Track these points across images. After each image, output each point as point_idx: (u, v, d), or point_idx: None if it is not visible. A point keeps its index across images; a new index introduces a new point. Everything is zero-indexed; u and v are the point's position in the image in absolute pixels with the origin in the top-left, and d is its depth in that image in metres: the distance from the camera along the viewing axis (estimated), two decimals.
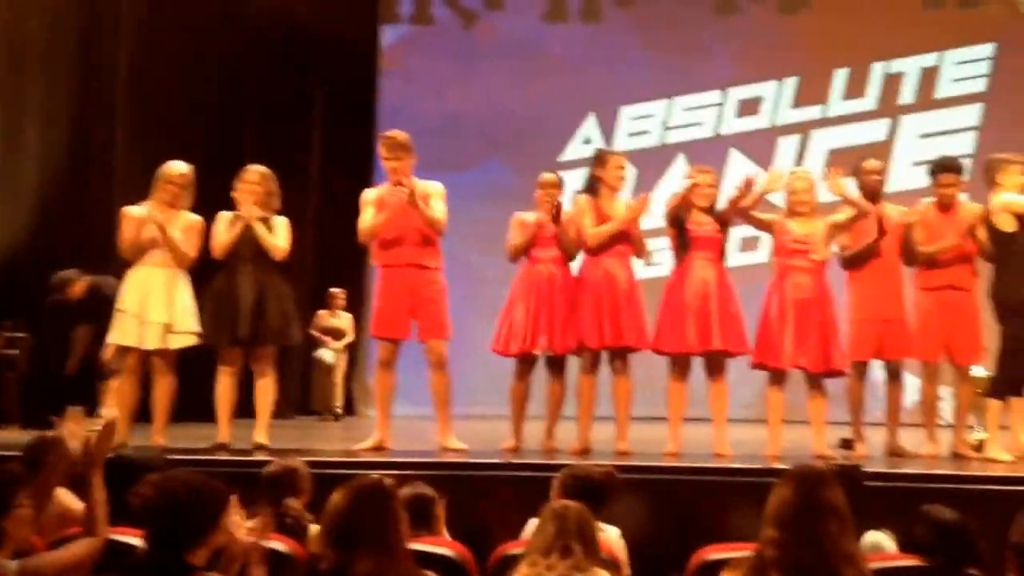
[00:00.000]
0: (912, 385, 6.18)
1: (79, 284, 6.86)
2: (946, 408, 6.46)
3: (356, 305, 8.80)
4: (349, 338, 8.90)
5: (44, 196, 7.67)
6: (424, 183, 5.54)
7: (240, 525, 3.10)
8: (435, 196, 5.53)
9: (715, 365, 5.57)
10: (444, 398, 5.56)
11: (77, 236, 7.51)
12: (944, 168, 5.74)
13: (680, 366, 5.58)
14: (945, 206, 5.67)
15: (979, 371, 5.83)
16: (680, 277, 5.58)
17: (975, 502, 4.03)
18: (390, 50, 9.26)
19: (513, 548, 3.32)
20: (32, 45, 7.68)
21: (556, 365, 5.68)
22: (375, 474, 2.93)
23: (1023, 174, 5.45)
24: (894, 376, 5.75)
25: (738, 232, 7.10)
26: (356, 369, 9.05)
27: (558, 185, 5.70)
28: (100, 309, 6.07)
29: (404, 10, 9.31)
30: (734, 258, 6.18)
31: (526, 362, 5.67)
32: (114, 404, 5.52)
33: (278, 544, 3.26)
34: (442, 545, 3.41)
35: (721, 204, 5.61)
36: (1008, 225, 5.39)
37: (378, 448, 5.45)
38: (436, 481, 3.90)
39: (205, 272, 5.57)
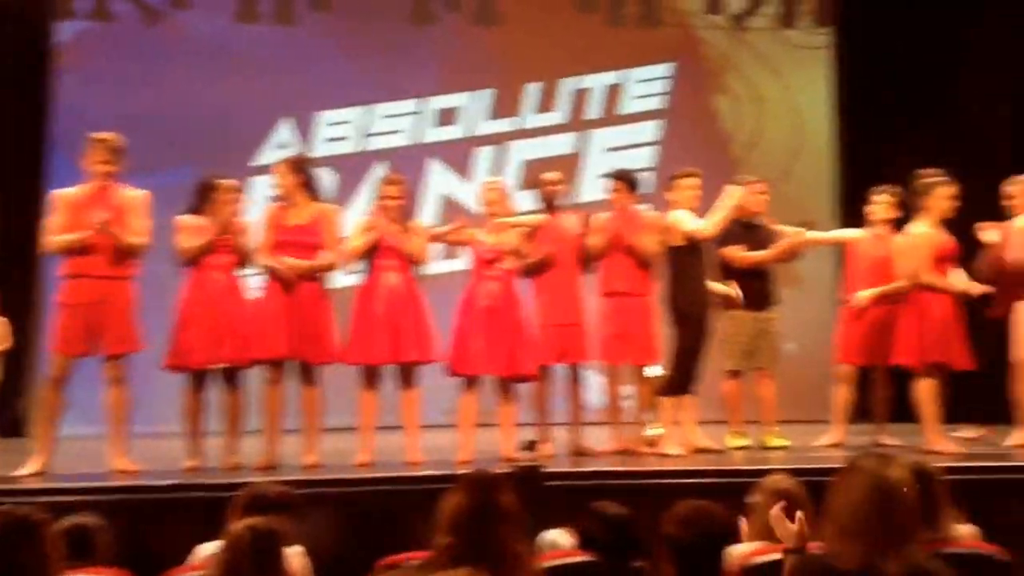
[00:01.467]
0: (599, 385, 6.46)
1: None
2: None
3: (16, 309, 8.02)
4: (4, 345, 8.07)
5: None
6: (132, 193, 5.24)
7: None
8: (137, 212, 5.22)
9: (406, 374, 5.56)
10: (120, 415, 5.21)
11: None
12: (614, 176, 6.12)
13: (370, 376, 5.53)
14: (621, 211, 6.01)
15: (654, 371, 6.18)
16: (369, 286, 5.55)
17: (648, 496, 4.22)
18: (66, 47, 8.60)
19: (187, 573, 3.14)
20: None
21: (232, 378, 5.46)
22: (25, 506, 2.67)
23: (693, 189, 5.84)
24: (575, 379, 5.99)
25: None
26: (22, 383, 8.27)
27: (239, 190, 5.52)
28: None
29: (80, 5, 8.68)
30: (436, 266, 6.21)
31: (200, 376, 5.42)
32: None
33: None
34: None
35: (419, 209, 5.67)
36: (678, 240, 5.75)
37: (40, 473, 5.02)
38: (104, 507, 3.65)
39: None
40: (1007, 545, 3.15)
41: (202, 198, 5.44)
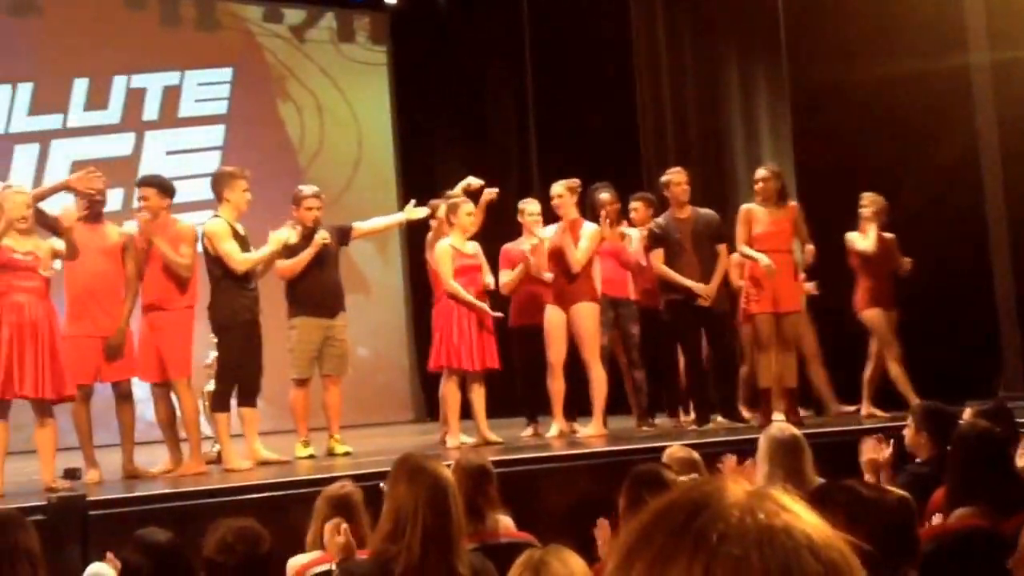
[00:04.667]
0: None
1: None
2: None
3: None
4: None
5: None
6: None
7: None
8: None
9: None
10: None
11: None
12: (143, 183, 5.73)
13: None
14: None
15: (210, 386, 5.94)
16: None
17: (204, 518, 4.01)
18: None
19: None
20: None
21: None
22: None
23: (247, 190, 5.68)
24: (121, 397, 5.53)
25: None
26: None
27: None
28: None
29: None
30: None
31: None
32: None
33: None
34: None
35: None
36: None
37: None
38: None
39: None
40: (536, 531, 3.36)
41: None
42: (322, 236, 5.91)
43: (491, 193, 6.32)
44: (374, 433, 6.64)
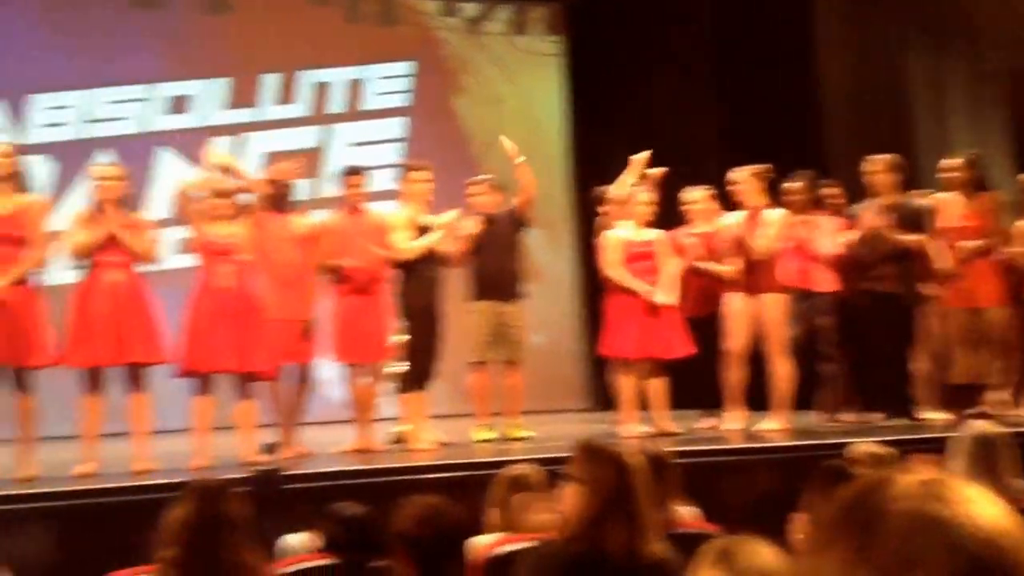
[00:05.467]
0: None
1: None
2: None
3: None
4: None
5: None
6: None
7: None
8: None
9: (133, 376, 5.22)
10: None
11: None
12: (351, 171, 6.01)
13: (93, 379, 5.15)
14: (353, 208, 5.90)
15: (394, 368, 6.15)
16: (88, 284, 5.16)
17: (391, 494, 4.16)
18: None
19: None
20: None
21: None
22: None
23: (428, 181, 5.87)
24: (304, 378, 5.83)
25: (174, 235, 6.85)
26: None
27: None
28: None
29: None
30: (170, 261, 5.88)
31: None
32: None
33: None
34: None
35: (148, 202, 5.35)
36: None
37: None
38: None
39: None
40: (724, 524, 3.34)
41: None
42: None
43: (658, 172, 6.28)
44: (546, 420, 6.72)
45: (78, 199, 7.23)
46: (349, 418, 5.94)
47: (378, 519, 3.23)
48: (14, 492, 4.45)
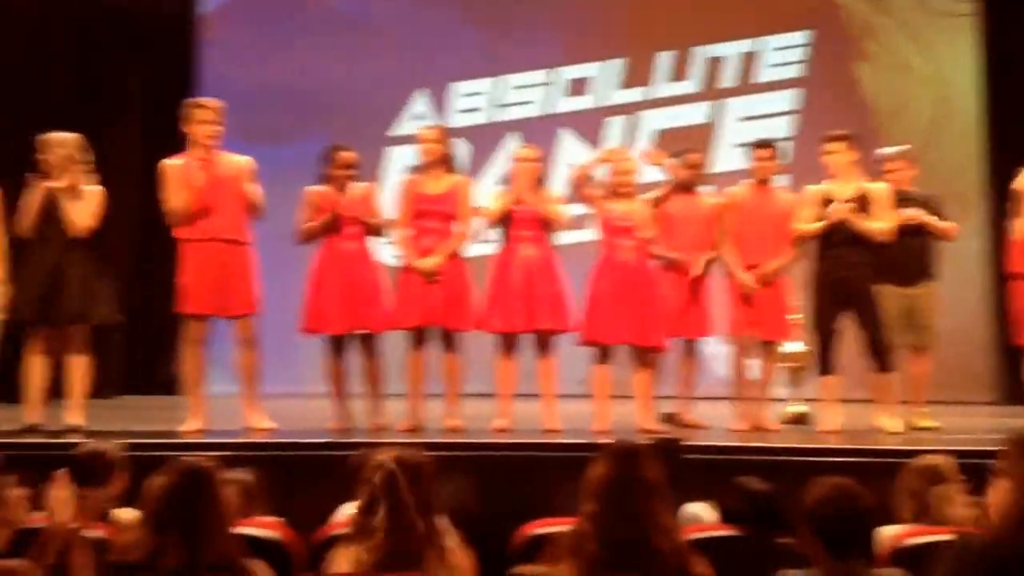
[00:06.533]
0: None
1: None
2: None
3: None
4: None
5: None
6: (237, 159, 5.41)
7: (68, 504, 2.88)
8: (248, 177, 5.40)
9: (542, 343, 5.63)
10: (252, 376, 5.42)
11: None
12: (760, 144, 6.04)
13: (508, 343, 5.62)
14: (763, 181, 5.92)
15: (794, 347, 6.09)
16: (505, 256, 5.62)
17: (788, 473, 4.17)
18: (211, 18, 8.91)
19: (335, 529, 3.26)
20: None
21: (369, 345, 5.60)
22: (196, 456, 2.81)
23: (845, 153, 5.73)
24: (690, 352, 6.04)
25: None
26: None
27: (351, 164, 5.60)
28: None
29: None
30: (567, 236, 6.26)
31: (337, 342, 5.58)
32: None
33: (96, 531, 3.09)
34: (266, 527, 3.31)
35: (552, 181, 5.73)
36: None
37: (199, 430, 5.28)
38: (252, 462, 3.83)
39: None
40: None
41: (323, 168, 5.55)
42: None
43: None
44: (949, 411, 6.34)
45: (490, 180, 7.86)
46: (737, 395, 5.98)
47: (785, 496, 3.28)
48: (446, 440, 4.98)
